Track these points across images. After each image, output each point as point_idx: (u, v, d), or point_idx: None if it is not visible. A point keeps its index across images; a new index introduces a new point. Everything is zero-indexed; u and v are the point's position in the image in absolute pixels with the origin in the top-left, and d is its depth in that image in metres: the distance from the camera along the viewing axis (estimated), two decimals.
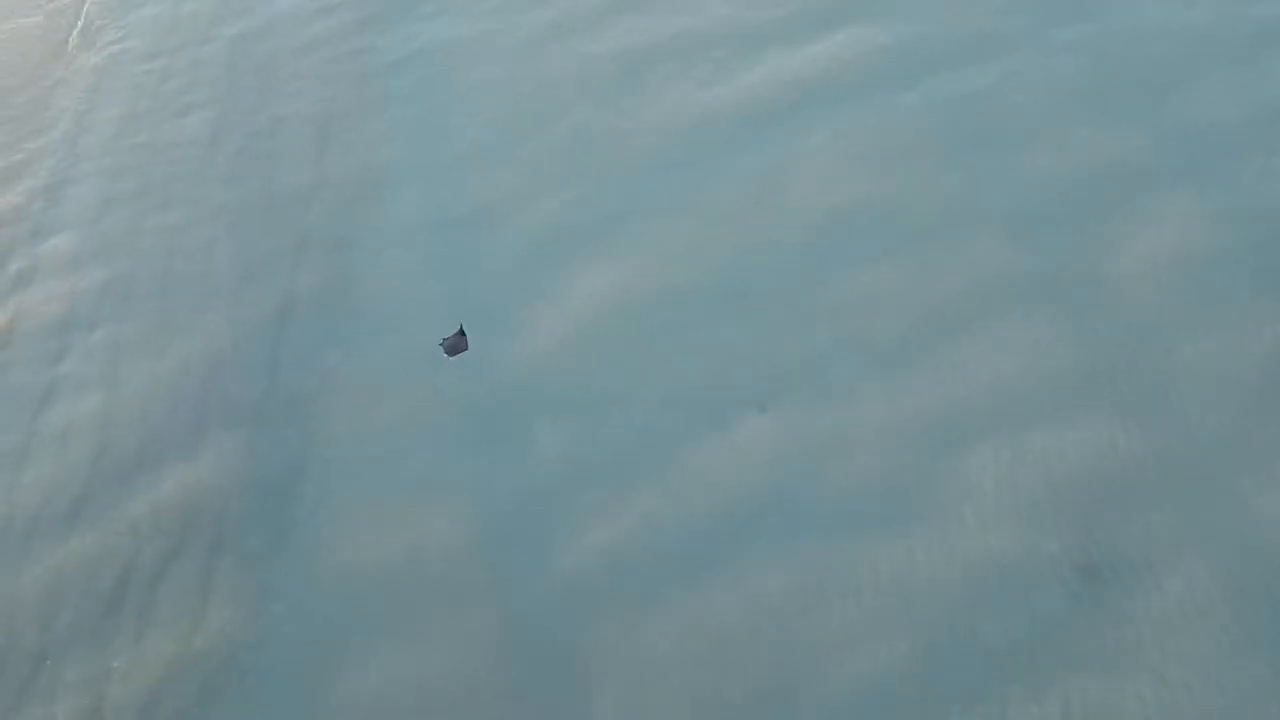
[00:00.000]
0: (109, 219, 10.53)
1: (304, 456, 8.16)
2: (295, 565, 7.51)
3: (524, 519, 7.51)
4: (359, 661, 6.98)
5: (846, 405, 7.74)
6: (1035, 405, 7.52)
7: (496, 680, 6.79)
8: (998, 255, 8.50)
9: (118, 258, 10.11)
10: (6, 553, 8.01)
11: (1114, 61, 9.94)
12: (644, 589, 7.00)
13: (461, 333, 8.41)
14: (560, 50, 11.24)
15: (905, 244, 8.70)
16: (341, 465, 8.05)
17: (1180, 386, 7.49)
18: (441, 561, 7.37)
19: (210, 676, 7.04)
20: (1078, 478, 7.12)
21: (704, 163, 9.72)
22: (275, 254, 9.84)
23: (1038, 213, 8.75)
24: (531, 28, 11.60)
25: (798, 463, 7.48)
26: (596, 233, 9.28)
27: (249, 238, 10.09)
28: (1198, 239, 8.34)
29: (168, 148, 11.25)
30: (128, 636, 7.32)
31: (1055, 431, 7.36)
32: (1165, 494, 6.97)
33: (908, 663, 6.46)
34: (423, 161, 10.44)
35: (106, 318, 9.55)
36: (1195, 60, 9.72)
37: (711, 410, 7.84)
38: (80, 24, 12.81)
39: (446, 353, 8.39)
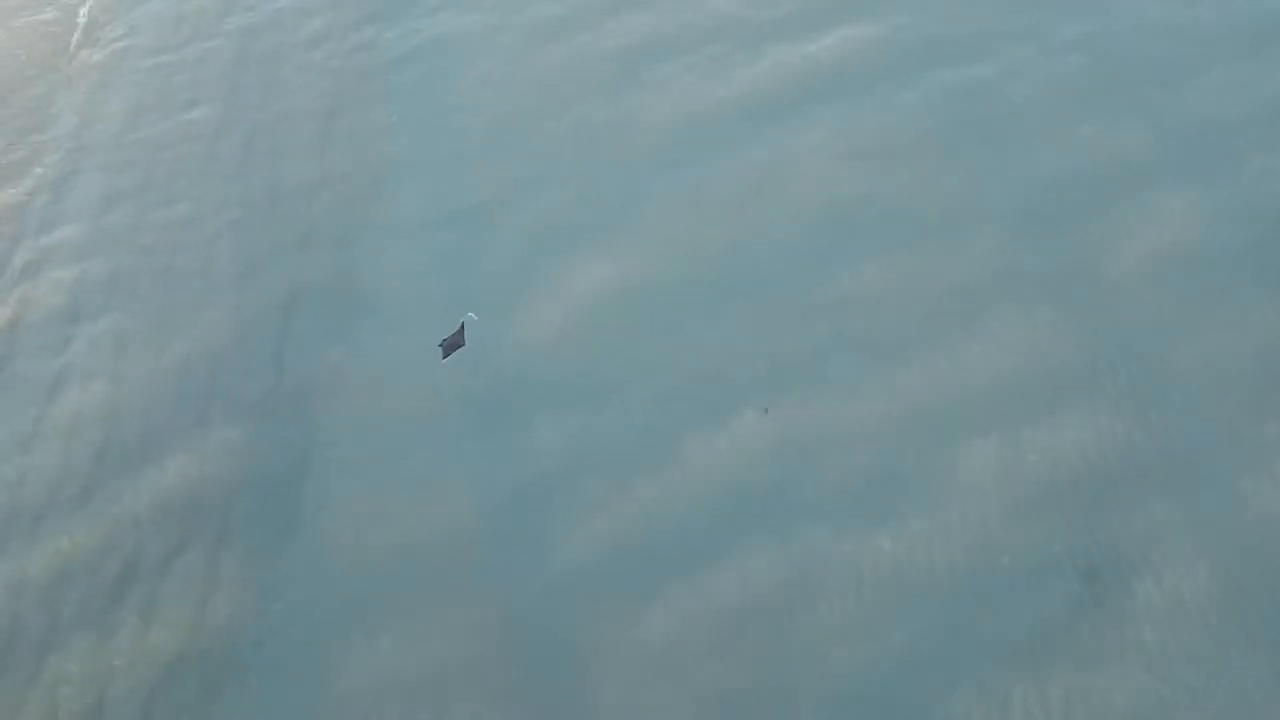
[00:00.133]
0: (113, 213, 10.53)
1: (307, 450, 8.19)
2: (297, 562, 7.55)
3: (523, 511, 7.54)
4: (361, 650, 7.03)
5: (845, 400, 7.77)
6: (1034, 401, 7.57)
7: (495, 669, 6.84)
8: (998, 252, 8.53)
9: (122, 251, 10.11)
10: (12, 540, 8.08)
11: (1116, 59, 9.97)
12: (642, 580, 7.04)
13: (461, 331, 8.43)
14: (561, 46, 11.25)
15: (904, 240, 8.73)
16: (343, 459, 8.08)
17: (1179, 383, 7.53)
18: (441, 555, 7.41)
19: (213, 672, 7.12)
20: (1076, 473, 7.17)
21: (704, 158, 9.75)
22: (278, 249, 9.86)
23: (1038, 210, 8.78)
24: (533, 23, 11.61)
25: (796, 456, 7.51)
26: (597, 227, 9.30)
27: (253, 232, 10.09)
28: (1197, 237, 8.37)
29: (172, 143, 11.24)
30: (131, 629, 7.38)
31: (1054, 427, 7.40)
32: (1164, 490, 7.02)
33: (903, 654, 6.51)
34: (425, 157, 10.44)
35: (111, 310, 9.56)
36: (1197, 58, 9.76)
37: (711, 404, 7.87)
38: (85, 20, 12.80)
39: (444, 353, 8.41)
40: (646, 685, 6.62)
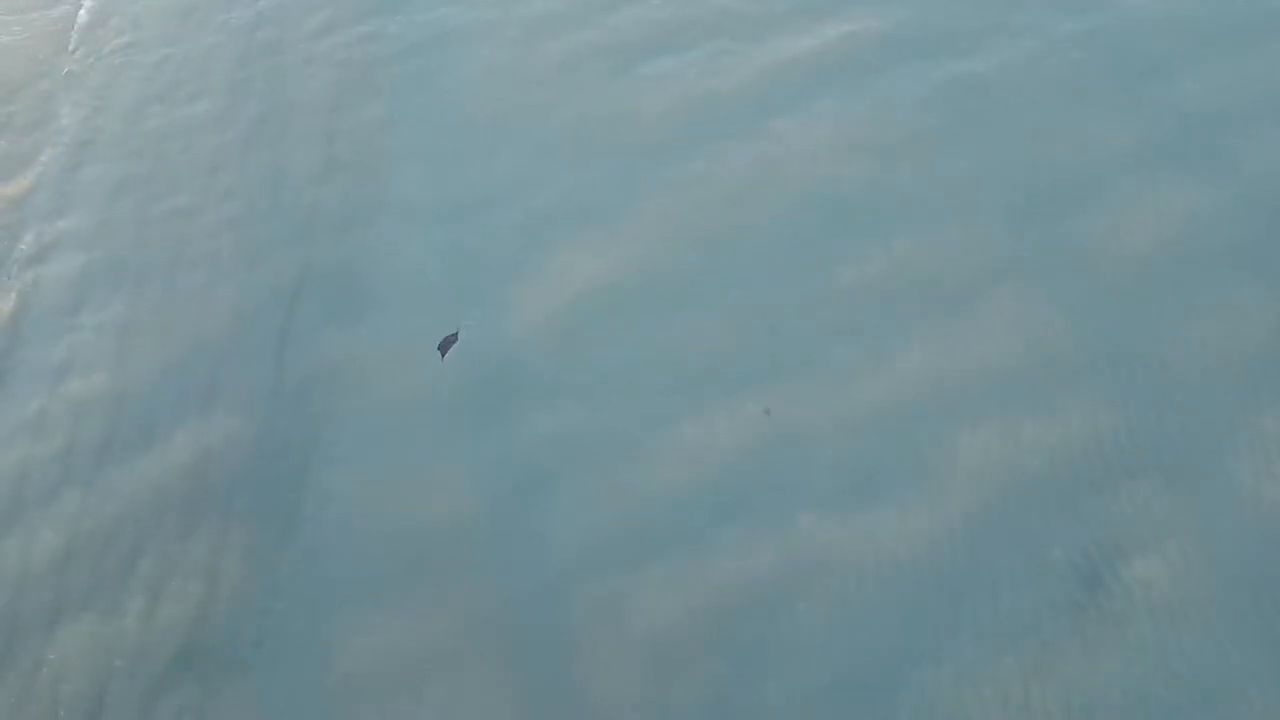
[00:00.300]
0: (118, 204, 10.58)
1: (307, 439, 8.24)
2: (296, 552, 7.59)
3: (520, 501, 7.57)
4: (359, 637, 7.07)
5: (842, 390, 7.80)
6: (1032, 391, 7.59)
7: (492, 656, 6.88)
8: (996, 243, 8.56)
9: (127, 242, 10.16)
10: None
11: (1117, 54, 9.97)
12: (637, 567, 7.09)
13: (455, 334, 8.49)
14: (563, 40, 11.28)
15: (903, 232, 8.74)
16: (343, 449, 8.13)
17: (1175, 374, 7.54)
18: (439, 544, 7.45)
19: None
20: (1071, 461, 7.20)
21: (704, 151, 9.78)
22: (281, 239, 9.91)
23: (1036, 202, 8.80)
24: (534, 17, 11.65)
25: (793, 446, 7.55)
26: (597, 220, 9.34)
27: (256, 223, 10.15)
28: (1195, 227, 8.38)
29: (176, 135, 11.30)
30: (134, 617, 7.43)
31: (1052, 417, 7.42)
32: (1159, 479, 7.03)
33: (896, 645, 6.55)
34: (427, 150, 10.48)
35: (115, 300, 9.60)
36: (1198, 52, 9.75)
37: (708, 393, 7.91)
38: (87, 17, 12.88)
39: (442, 354, 8.47)
40: (641, 669, 6.69)
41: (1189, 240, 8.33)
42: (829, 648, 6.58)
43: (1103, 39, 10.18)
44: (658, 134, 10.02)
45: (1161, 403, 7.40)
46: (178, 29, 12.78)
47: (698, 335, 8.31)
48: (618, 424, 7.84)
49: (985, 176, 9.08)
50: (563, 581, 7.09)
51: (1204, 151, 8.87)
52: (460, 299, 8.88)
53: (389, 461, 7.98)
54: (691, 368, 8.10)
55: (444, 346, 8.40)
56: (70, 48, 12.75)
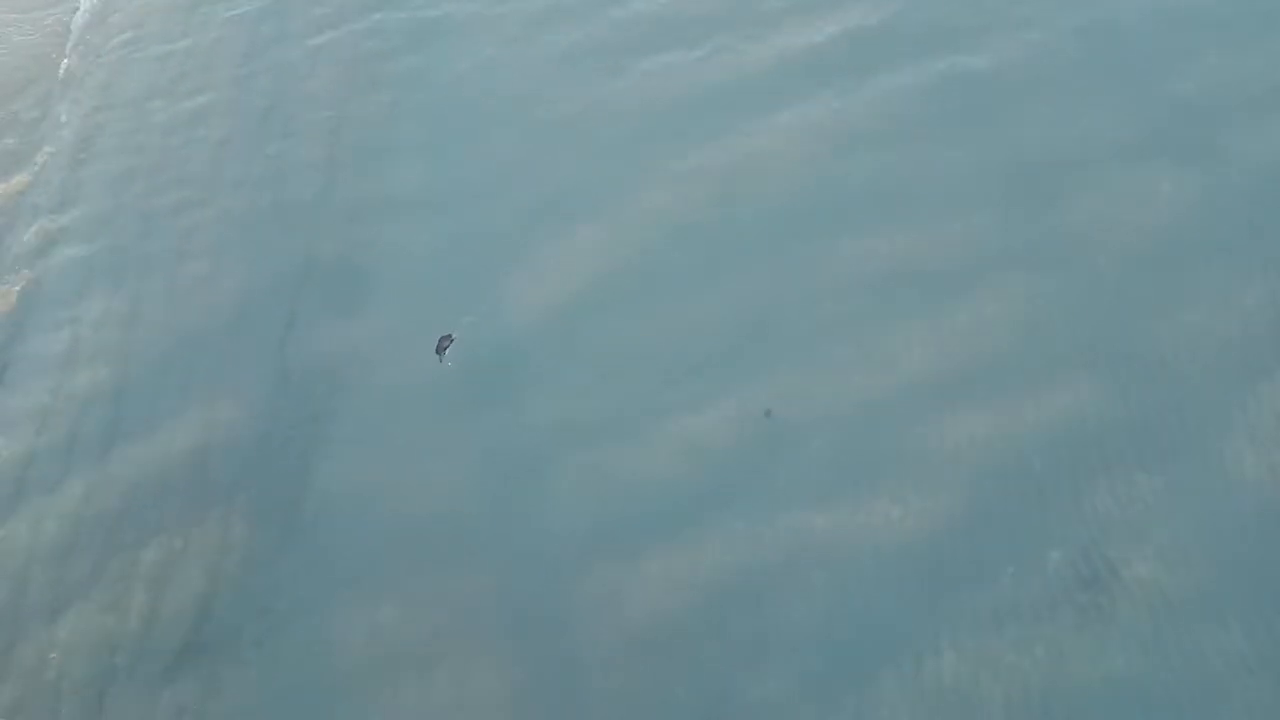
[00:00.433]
0: (122, 195, 10.67)
1: (309, 428, 8.32)
2: (298, 539, 7.67)
3: (517, 487, 7.63)
4: (360, 621, 7.15)
5: (838, 378, 7.84)
6: (1027, 377, 7.62)
7: (490, 640, 6.96)
8: (990, 232, 8.56)
9: (131, 233, 10.26)
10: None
11: (1117, 46, 9.93)
12: (630, 553, 7.15)
13: (452, 336, 8.53)
14: (563, 32, 11.33)
15: (897, 221, 8.77)
16: (345, 436, 8.22)
17: (1168, 356, 7.56)
18: (439, 530, 7.52)
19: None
20: (1066, 447, 7.22)
21: (704, 143, 9.81)
22: (283, 230, 9.99)
23: (1031, 191, 8.79)
24: (535, 10, 11.69)
25: (788, 435, 7.59)
26: (595, 210, 9.39)
27: (258, 214, 10.23)
28: (1189, 215, 8.39)
29: (180, 128, 11.38)
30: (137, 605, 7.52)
31: (1046, 402, 7.45)
32: (1151, 462, 7.05)
33: (886, 631, 6.60)
34: (427, 141, 10.55)
35: (120, 290, 9.71)
36: (1199, 44, 9.71)
37: (703, 382, 7.95)
38: (90, 13, 12.95)
39: (439, 355, 8.53)
40: (635, 651, 6.75)
41: (1183, 228, 8.33)
42: (823, 634, 6.64)
43: (1101, 33, 10.17)
44: (657, 128, 10.05)
45: (1155, 390, 7.44)
46: (180, 25, 12.85)
47: (695, 326, 8.36)
48: (616, 413, 7.90)
49: (982, 168, 9.08)
50: (560, 570, 7.16)
51: (1198, 143, 8.87)
52: (461, 290, 8.94)
53: (389, 452, 8.06)
54: (689, 358, 8.15)
55: (440, 348, 8.42)
56: (74, 44, 12.84)
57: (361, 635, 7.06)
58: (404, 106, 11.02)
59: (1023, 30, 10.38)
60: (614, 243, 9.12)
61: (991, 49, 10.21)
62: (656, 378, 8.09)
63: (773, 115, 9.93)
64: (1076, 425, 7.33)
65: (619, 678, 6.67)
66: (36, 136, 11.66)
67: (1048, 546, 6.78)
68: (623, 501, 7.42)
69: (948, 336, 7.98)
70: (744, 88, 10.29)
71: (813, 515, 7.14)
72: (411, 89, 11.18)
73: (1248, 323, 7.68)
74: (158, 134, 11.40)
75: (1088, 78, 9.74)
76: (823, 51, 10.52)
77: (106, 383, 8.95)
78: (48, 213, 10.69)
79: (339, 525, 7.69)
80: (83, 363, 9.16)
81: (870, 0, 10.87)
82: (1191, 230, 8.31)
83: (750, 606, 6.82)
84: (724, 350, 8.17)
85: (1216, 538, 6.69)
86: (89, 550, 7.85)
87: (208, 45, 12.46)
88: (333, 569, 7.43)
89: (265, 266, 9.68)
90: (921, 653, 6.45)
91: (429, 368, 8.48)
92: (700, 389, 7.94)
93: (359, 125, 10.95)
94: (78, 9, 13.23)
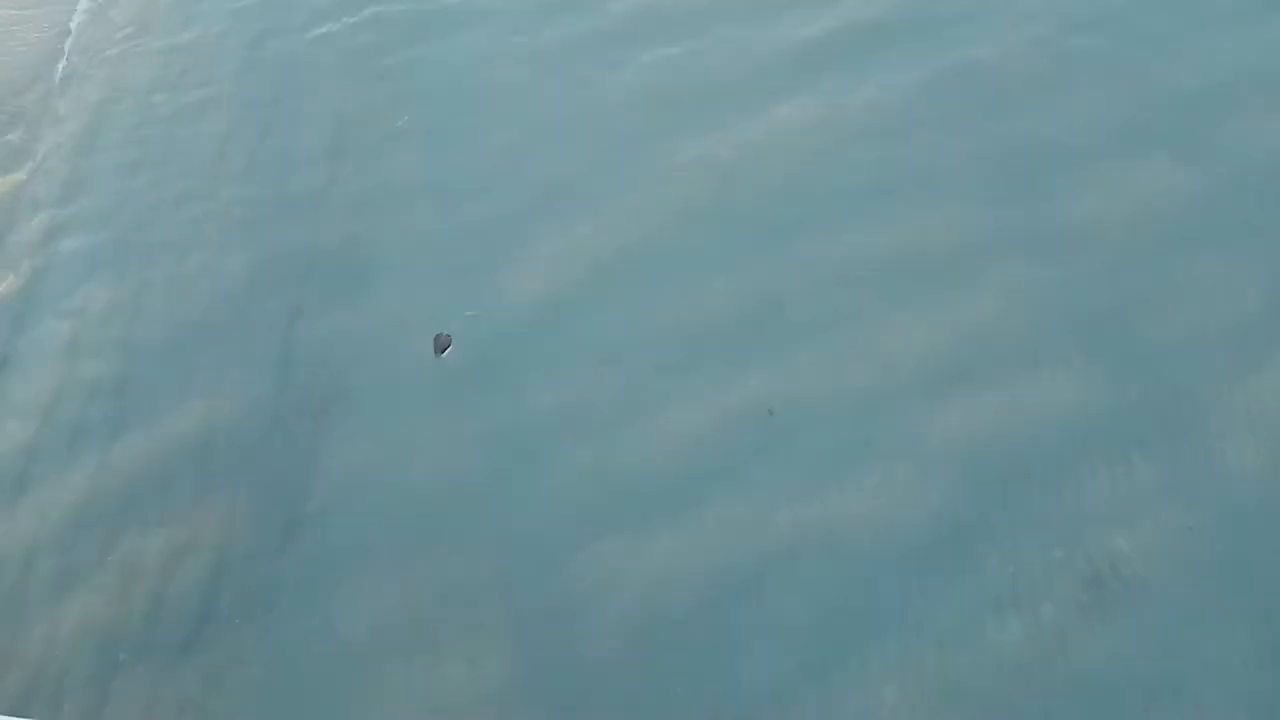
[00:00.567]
0: (126, 187, 10.68)
1: (312, 417, 8.35)
2: (301, 526, 7.71)
3: (517, 469, 7.66)
4: (363, 600, 7.21)
5: (835, 365, 7.89)
6: (1024, 363, 7.69)
7: (492, 617, 7.02)
8: (987, 221, 8.63)
9: (135, 223, 10.28)
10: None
11: (1122, 36, 10.00)
12: (626, 535, 7.21)
13: (449, 337, 8.55)
14: (562, 26, 11.34)
15: (894, 209, 8.82)
16: (347, 424, 8.24)
17: (1167, 348, 7.61)
18: (442, 512, 7.56)
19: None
20: (1063, 438, 7.27)
21: (707, 131, 9.85)
22: (287, 218, 10.02)
23: (1028, 180, 8.86)
24: (534, 2, 11.73)
25: (784, 424, 7.63)
26: (598, 198, 9.42)
27: (263, 203, 10.25)
28: (1187, 207, 8.44)
29: (185, 120, 11.40)
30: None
31: (1045, 391, 7.52)
32: (1151, 450, 7.12)
33: (876, 614, 6.65)
34: (430, 133, 10.56)
35: (124, 281, 9.72)
36: (1201, 32, 9.79)
37: (701, 370, 8.00)
38: (93, 6, 12.95)
39: (436, 352, 8.55)
40: (633, 636, 6.81)
41: (1177, 217, 8.39)
42: (819, 621, 6.70)
43: (1102, 23, 10.22)
44: (658, 120, 10.09)
45: (1154, 381, 7.49)
46: (183, 17, 12.86)
47: (695, 315, 8.40)
48: (615, 402, 7.95)
49: (982, 160, 9.14)
50: (560, 557, 7.21)
51: (1197, 135, 8.92)
52: (462, 280, 8.98)
53: (391, 441, 8.09)
54: (689, 347, 8.21)
55: (439, 347, 8.44)
56: (76, 39, 12.85)
57: (364, 625, 7.09)
58: (405, 97, 11.03)
59: (1023, 23, 10.42)
60: (614, 234, 9.15)
61: (992, 41, 10.27)
62: (655, 367, 8.14)
63: (774, 107, 9.98)
64: (1073, 417, 7.37)
65: (616, 662, 6.72)
66: (40, 129, 11.68)
67: (1045, 538, 6.82)
68: (619, 486, 7.47)
69: (946, 327, 8.03)
70: (745, 79, 10.35)
71: (812, 505, 7.18)
72: (412, 80, 11.20)
73: (1247, 314, 7.72)
74: (161, 126, 11.42)
75: (1088, 69, 9.78)
76: (823, 43, 10.57)
77: (109, 373, 8.99)
78: (52, 204, 10.71)
79: (342, 514, 7.73)
80: (86, 353, 9.19)
81: None
82: (1190, 222, 8.35)
83: (750, 594, 6.86)
84: (724, 339, 8.22)
85: (1215, 528, 6.74)
86: (91, 538, 7.86)
87: (211, 38, 12.47)
88: (335, 559, 7.48)
89: (268, 257, 9.70)
90: (920, 643, 6.49)
91: (431, 358, 8.53)
92: (700, 378, 7.99)
93: (360, 116, 10.97)
94: (79, 4, 13.23)
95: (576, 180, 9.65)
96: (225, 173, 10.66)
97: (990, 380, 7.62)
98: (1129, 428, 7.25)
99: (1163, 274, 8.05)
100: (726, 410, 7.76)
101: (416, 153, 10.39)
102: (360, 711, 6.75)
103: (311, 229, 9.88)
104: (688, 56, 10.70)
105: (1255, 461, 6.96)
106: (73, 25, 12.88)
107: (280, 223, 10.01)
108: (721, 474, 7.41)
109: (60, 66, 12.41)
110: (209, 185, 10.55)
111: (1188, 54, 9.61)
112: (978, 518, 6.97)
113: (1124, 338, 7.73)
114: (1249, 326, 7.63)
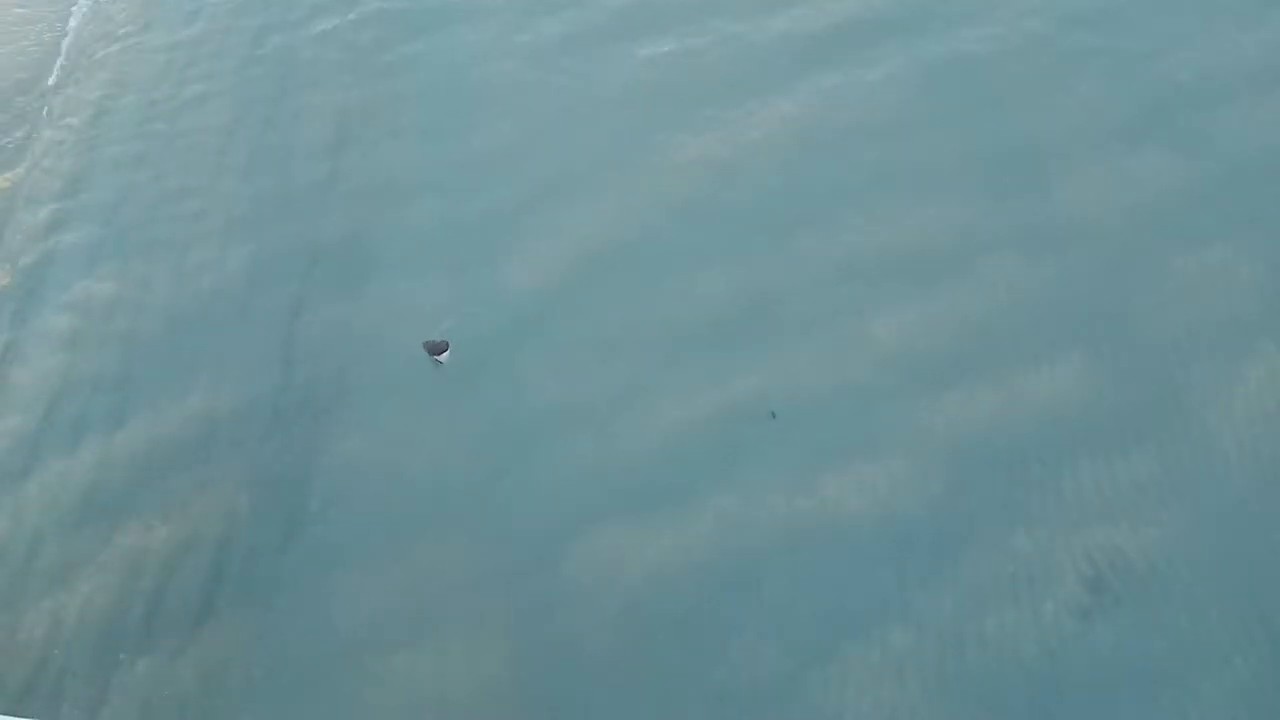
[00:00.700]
0: (132, 181, 10.67)
1: (314, 411, 8.38)
2: (304, 517, 7.73)
3: (516, 460, 7.71)
4: (367, 591, 7.27)
5: (831, 357, 7.95)
6: (1021, 354, 7.76)
7: (492, 605, 7.08)
8: (984, 212, 8.69)
9: (137, 218, 10.27)
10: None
11: (1121, 33, 10.04)
12: (623, 525, 7.26)
13: (445, 346, 8.57)
14: (561, 21, 11.38)
15: (891, 203, 8.87)
16: (348, 417, 8.28)
17: (1160, 339, 7.68)
18: (441, 502, 7.61)
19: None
20: (1058, 429, 7.33)
21: (699, 129, 9.89)
22: (288, 213, 10.03)
23: (1025, 173, 8.93)
24: (531, 2, 11.79)
25: (784, 413, 7.68)
26: (595, 191, 9.47)
27: (265, 199, 10.24)
28: (1181, 199, 8.49)
29: (186, 115, 11.40)
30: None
31: (1038, 383, 7.58)
32: (1145, 440, 7.19)
33: (877, 592, 6.72)
34: (430, 127, 10.60)
35: (127, 275, 9.73)
36: (1202, 27, 9.82)
37: (699, 361, 8.04)
38: (96, 5, 12.94)
39: (432, 356, 8.57)
40: (630, 624, 6.86)
41: (1170, 206, 8.45)
42: (813, 605, 6.78)
43: (1097, 19, 10.25)
44: (656, 115, 10.13)
45: (1147, 372, 7.56)
46: (184, 14, 12.86)
47: (693, 309, 8.45)
48: (613, 394, 7.99)
49: (978, 153, 9.20)
50: (559, 547, 7.25)
51: (1190, 128, 8.96)
52: (462, 273, 9.02)
53: (392, 432, 8.13)
54: (686, 340, 8.26)
55: (434, 352, 8.45)
56: (78, 36, 12.85)
57: (364, 619, 7.13)
58: (406, 93, 11.05)
59: (1023, 20, 10.44)
60: (614, 230, 9.18)
61: (989, 36, 10.30)
62: (653, 360, 8.18)
63: (772, 103, 10.01)
64: (1068, 408, 7.44)
65: (614, 648, 6.78)
66: (44, 125, 11.69)
67: (1043, 529, 6.89)
68: (616, 477, 7.52)
69: (945, 323, 8.06)
70: (742, 75, 10.38)
71: (808, 495, 7.23)
72: (413, 75, 11.22)
73: (1244, 309, 7.75)
74: (162, 122, 11.42)
75: (1086, 66, 9.80)
76: (821, 39, 10.62)
77: (112, 364, 9.01)
78: (57, 198, 10.72)
79: (342, 510, 7.75)
80: (90, 344, 9.21)
81: None
82: (1187, 217, 8.38)
83: (748, 588, 6.91)
84: (722, 335, 8.25)
85: (1211, 516, 6.76)
86: (94, 528, 7.89)
87: (212, 35, 12.46)
88: (335, 555, 7.50)
89: (269, 252, 9.72)
90: (918, 635, 6.56)
91: (430, 359, 8.55)
92: (699, 373, 8.02)
93: (362, 111, 10.98)
94: (80, 2, 13.24)
95: (576, 176, 9.67)
96: (226, 168, 10.66)
97: (989, 376, 7.65)
98: (1128, 424, 7.29)
99: (1160, 269, 8.07)
100: (724, 404, 7.79)
101: (417, 149, 10.41)
102: (360, 705, 6.78)
103: (312, 224, 9.90)
104: (686, 53, 10.72)
105: (1251, 451, 7.01)
106: (73, 25, 12.90)
107: (281, 218, 10.02)
108: (719, 468, 7.44)
109: (67, 61, 12.42)
110: (210, 181, 10.55)
111: (1185, 51, 9.64)
112: (977, 514, 7.01)
113: (1122, 333, 7.76)
114: (1246, 321, 7.66)
